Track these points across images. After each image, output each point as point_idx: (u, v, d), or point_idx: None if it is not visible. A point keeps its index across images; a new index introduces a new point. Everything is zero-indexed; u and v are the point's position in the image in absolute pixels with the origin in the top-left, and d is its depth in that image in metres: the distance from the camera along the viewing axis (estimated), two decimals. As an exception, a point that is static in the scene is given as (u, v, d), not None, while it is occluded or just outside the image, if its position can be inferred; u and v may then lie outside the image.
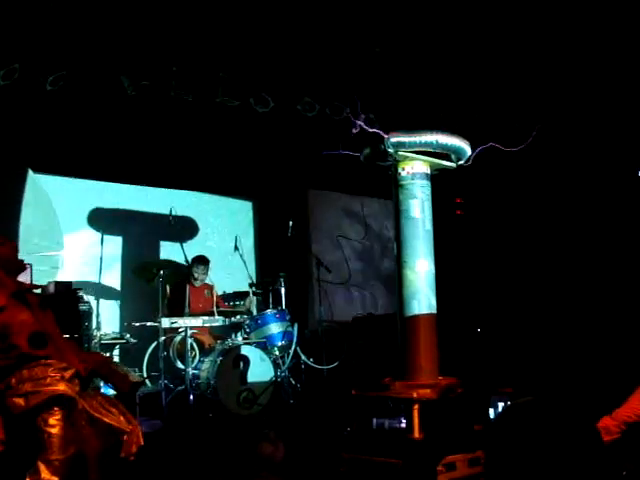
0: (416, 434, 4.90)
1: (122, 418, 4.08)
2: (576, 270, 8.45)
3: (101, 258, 8.18)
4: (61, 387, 3.92)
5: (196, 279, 8.25)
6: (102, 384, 5.55)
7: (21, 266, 4.50)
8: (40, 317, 4.17)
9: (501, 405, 5.27)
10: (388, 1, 7.10)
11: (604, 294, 7.99)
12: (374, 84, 8.32)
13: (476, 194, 10.01)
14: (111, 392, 4.71)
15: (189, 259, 7.99)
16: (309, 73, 8.43)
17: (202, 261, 8.30)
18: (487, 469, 2.75)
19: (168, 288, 7.98)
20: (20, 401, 3.87)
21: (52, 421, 3.85)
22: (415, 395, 5.00)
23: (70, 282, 6.94)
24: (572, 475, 2.56)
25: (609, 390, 4.67)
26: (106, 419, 4.03)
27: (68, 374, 4.02)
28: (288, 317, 8.03)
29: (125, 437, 4.07)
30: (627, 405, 4.76)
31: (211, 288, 8.23)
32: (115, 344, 7.63)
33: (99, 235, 8.33)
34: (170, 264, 8.04)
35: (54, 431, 3.84)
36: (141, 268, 7.86)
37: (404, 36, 7.66)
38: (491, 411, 5.26)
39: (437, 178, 5.86)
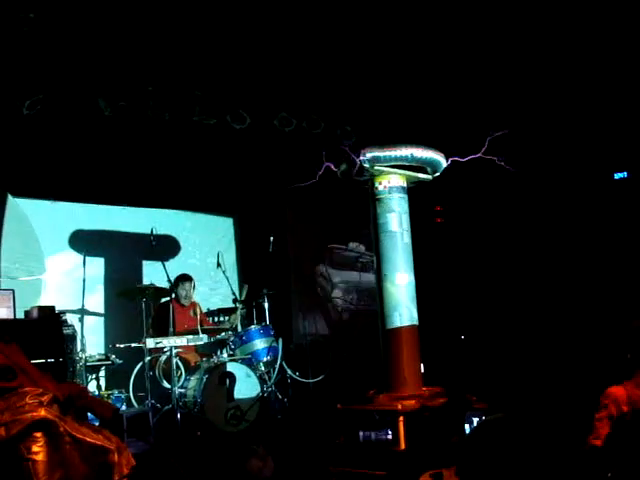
0: (402, 445, 4.95)
1: (111, 445, 4.07)
2: (556, 274, 8.52)
3: (84, 280, 8.17)
4: (41, 412, 3.91)
5: (185, 297, 8.28)
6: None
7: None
8: (6, 351, 4.17)
9: (476, 420, 5.32)
10: (360, 17, 7.15)
11: (583, 301, 8.06)
12: (349, 99, 8.40)
13: (455, 201, 10.07)
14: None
15: (172, 278, 8.01)
16: (284, 88, 8.49)
17: (186, 278, 8.33)
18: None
19: (152, 309, 7.99)
20: (0, 431, 3.86)
21: (35, 448, 3.83)
22: (400, 407, 5.06)
23: (53, 306, 6.93)
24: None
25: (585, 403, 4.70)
26: (89, 439, 4.02)
27: (46, 399, 4.01)
28: (272, 332, 8.04)
29: (115, 458, 4.06)
30: None
31: (195, 307, 8.24)
32: (100, 366, 7.62)
33: (81, 257, 8.32)
34: (152, 287, 8.05)
35: (38, 458, 3.83)
36: (124, 293, 7.92)
37: (377, 52, 7.73)
38: (466, 427, 5.31)
39: (416, 187, 5.92)
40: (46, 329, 6.54)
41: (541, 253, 8.68)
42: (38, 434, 3.85)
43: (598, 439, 4.42)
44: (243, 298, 8.40)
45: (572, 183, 8.61)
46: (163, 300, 8.25)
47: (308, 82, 8.31)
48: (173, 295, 8.14)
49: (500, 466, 2.69)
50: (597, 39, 7.51)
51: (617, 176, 8.30)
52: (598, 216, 8.23)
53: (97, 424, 4.46)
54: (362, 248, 11.06)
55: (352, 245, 11.08)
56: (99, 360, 7.64)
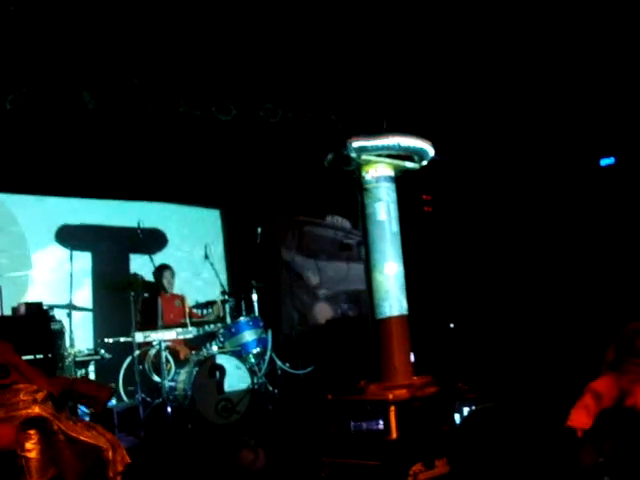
0: (393, 435, 4.94)
1: (105, 442, 4.06)
2: (545, 263, 8.54)
3: (71, 275, 8.11)
4: (35, 409, 3.91)
5: (167, 286, 8.29)
6: (79, 406, 5.53)
7: None
8: None
9: (466, 410, 5.33)
10: (345, 7, 7.13)
11: (571, 290, 8.08)
12: (335, 88, 8.37)
13: (443, 190, 10.08)
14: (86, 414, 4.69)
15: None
16: (269, 79, 8.45)
17: (166, 267, 8.37)
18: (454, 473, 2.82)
19: (140, 302, 7.98)
20: None
21: (29, 445, 3.83)
22: (391, 397, 5.04)
23: (40, 302, 6.89)
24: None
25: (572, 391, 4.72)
26: (83, 437, 4.01)
27: (40, 396, 4.01)
28: (262, 324, 8.03)
29: (110, 456, 4.05)
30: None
31: (182, 299, 8.24)
32: (90, 361, 7.61)
33: (68, 252, 8.26)
34: (140, 279, 8.03)
35: (31, 455, 3.82)
36: (111, 285, 7.90)
37: (363, 41, 7.71)
38: (456, 416, 5.31)
39: (403, 176, 5.91)
40: (34, 325, 6.50)
41: (529, 242, 8.69)
42: (32, 431, 3.85)
43: (571, 421, 4.46)
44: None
45: (557, 170, 8.61)
46: (146, 295, 8.26)
47: (294, 73, 8.28)
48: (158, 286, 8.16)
49: (491, 454, 2.70)
50: (583, 22, 7.51)
51: (604, 162, 8.26)
52: (585, 204, 8.22)
53: (88, 419, 4.46)
54: (347, 225, 10.47)
55: (331, 220, 10.47)
56: (88, 355, 7.63)
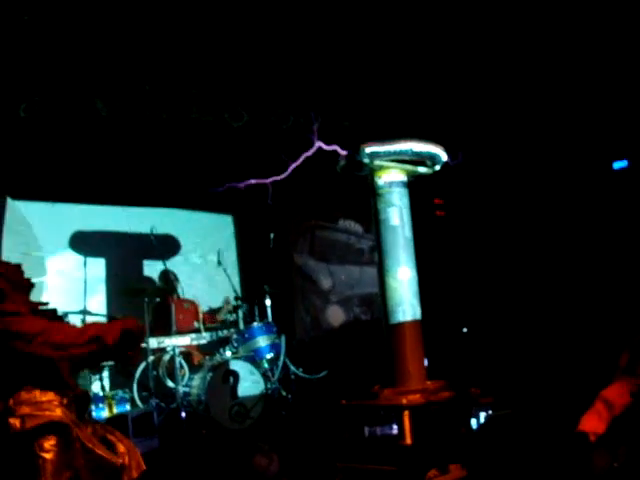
0: (408, 440, 4.95)
1: (122, 447, 4.07)
2: (558, 267, 8.51)
3: (85, 281, 8.16)
4: (58, 413, 3.93)
5: (177, 288, 8.40)
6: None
7: (30, 285, 4.51)
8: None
9: (483, 415, 5.32)
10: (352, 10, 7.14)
11: (585, 293, 8.05)
12: (348, 93, 8.38)
13: (456, 194, 10.07)
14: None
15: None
16: (282, 85, 8.47)
17: (169, 272, 8.48)
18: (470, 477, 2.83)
19: (152, 307, 8.03)
20: (16, 422, 3.87)
21: (47, 446, 3.85)
22: (404, 401, 5.06)
23: (55, 309, 6.92)
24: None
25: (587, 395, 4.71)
26: (98, 451, 4.02)
27: (66, 400, 4.03)
28: (275, 329, 8.05)
29: (126, 461, 4.06)
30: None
31: (191, 302, 8.29)
32: (104, 367, 7.64)
33: (82, 258, 8.30)
34: (151, 284, 8.09)
35: (48, 456, 3.84)
36: (125, 291, 7.97)
37: (374, 46, 7.72)
38: (473, 421, 5.31)
39: (416, 181, 5.92)
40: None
41: (543, 245, 8.67)
42: (51, 434, 3.87)
43: (583, 426, 4.44)
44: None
45: (570, 173, 8.59)
46: (158, 300, 8.32)
47: (306, 78, 8.29)
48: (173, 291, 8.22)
49: (507, 459, 2.70)
50: (597, 25, 7.49)
51: (617, 165, 8.23)
52: (598, 208, 8.19)
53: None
54: (359, 229, 10.43)
55: (343, 223, 10.42)
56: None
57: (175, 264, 8.82)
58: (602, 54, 7.76)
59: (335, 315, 10.33)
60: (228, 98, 8.54)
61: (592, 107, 8.21)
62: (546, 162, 8.72)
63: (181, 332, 7.68)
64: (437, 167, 5.82)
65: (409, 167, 5.67)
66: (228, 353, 7.82)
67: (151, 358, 7.39)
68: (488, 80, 8.40)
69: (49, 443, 3.85)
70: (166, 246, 9.03)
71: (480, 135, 8.95)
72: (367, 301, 10.48)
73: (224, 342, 8.10)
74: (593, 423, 4.45)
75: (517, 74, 8.26)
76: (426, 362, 5.62)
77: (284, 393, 8.01)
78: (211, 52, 7.82)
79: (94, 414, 6.76)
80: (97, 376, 7.54)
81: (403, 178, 5.64)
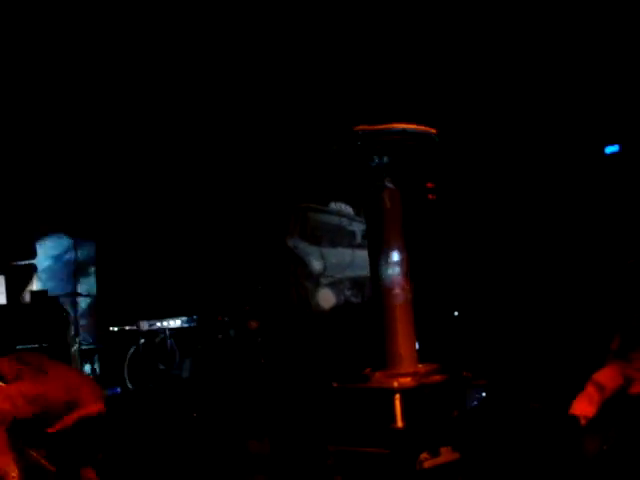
0: (399, 423, 4.95)
1: None
2: (549, 250, 8.51)
3: (75, 263, 8.12)
4: None
5: None
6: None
7: None
8: None
9: (476, 396, 5.33)
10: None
11: (576, 277, 8.05)
12: (340, 75, 8.35)
13: (447, 178, 10.04)
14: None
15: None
16: (278, 66, 8.44)
17: None
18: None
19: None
20: None
21: None
22: (396, 384, 5.04)
23: (45, 290, 6.91)
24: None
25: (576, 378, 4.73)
26: None
27: None
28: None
29: None
30: None
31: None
32: (95, 350, 7.63)
33: (71, 241, 8.27)
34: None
35: None
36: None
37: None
38: (467, 403, 5.31)
39: (407, 164, 5.90)
40: (39, 314, 6.51)
41: (534, 229, 8.66)
42: None
43: (574, 410, 4.47)
44: None
45: (562, 157, 8.57)
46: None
47: (300, 59, 8.26)
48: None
49: (499, 441, 2.71)
50: (586, 11, 7.47)
51: (608, 150, 8.21)
52: (589, 192, 8.18)
53: None
54: (350, 211, 10.19)
55: (335, 206, 10.19)
56: (92, 344, 7.65)
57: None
58: (593, 39, 7.74)
59: (326, 298, 10.30)
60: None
61: (584, 91, 8.18)
62: (538, 146, 8.69)
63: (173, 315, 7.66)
64: (429, 149, 5.79)
65: (401, 149, 5.63)
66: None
67: (142, 341, 7.38)
68: (481, 66, 8.38)
69: None
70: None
71: (473, 119, 8.92)
72: (358, 284, 10.42)
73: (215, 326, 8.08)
74: (584, 407, 4.48)
75: (509, 59, 8.23)
76: (417, 345, 5.60)
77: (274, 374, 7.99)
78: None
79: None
80: (88, 359, 7.54)
81: (395, 161, 5.60)
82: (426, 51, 8.15)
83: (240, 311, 8.07)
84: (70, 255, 8.13)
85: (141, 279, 8.27)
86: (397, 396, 4.97)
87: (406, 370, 5.25)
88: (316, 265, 9.99)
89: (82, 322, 7.89)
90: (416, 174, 7.89)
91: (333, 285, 10.25)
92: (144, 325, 7.27)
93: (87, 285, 8.64)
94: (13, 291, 7.03)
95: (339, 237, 10.20)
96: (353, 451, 5.02)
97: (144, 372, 7.26)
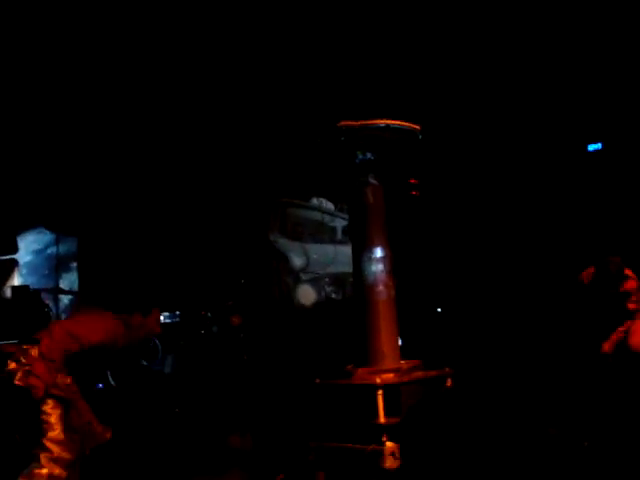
0: (381, 419, 4.94)
1: None
2: (532, 246, 8.55)
3: (57, 258, 8.08)
4: None
5: None
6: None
7: None
8: None
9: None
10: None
11: (559, 271, 8.08)
12: (325, 70, 8.34)
13: (430, 175, 10.05)
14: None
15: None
16: (258, 63, 8.41)
17: None
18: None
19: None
20: None
21: None
22: (378, 381, 5.04)
23: (27, 286, 6.87)
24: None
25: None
26: None
27: None
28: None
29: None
30: None
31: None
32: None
33: (53, 236, 8.22)
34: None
35: None
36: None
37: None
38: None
39: (391, 160, 5.89)
40: (21, 309, 6.47)
41: (517, 226, 8.70)
42: None
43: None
44: None
45: (546, 155, 8.61)
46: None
47: (285, 55, 8.25)
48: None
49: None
50: (570, 12, 7.50)
51: (591, 147, 8.27)
52: (573, 189, 8.23)
53: None
54: (332, 207, 10.24)
55: (316, 201, 10.20)
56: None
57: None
58: (578, 40, 7.78)
59: (306, 294, 10.27)
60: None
61: (568, 90, 8.23)
62: (522, 144, 8.73)
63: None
64: (413, 145, 5.78)
65: (385, 145, 5.62)
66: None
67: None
68: (466, 64, 8.39)
69: None
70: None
71: (457, 116, 8.94)
72: (339, 280, 10.42)
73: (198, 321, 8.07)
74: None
75: (495, 58, 8.25)
76: (400, 342, 5.60)
77: (256, 368, 7.98)
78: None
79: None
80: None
81: (379, 157, 5.60)
82: (411, 48, 8.15)
83: (223, 306, 8.05)
84: (52, 250, 8.08)
85: (123, 275, 8.23)
86: (379, 392, 4.97)
87: (389, 366, 5.24)
88: (297, 261, 9.97)
89: (64, 317, 7.82)
90: (399, 170, 7.90)
91: (314, 281, 10.24)
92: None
93: (69, 281, 8.59)
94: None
95: (320, 233, 10.17)
96: (335, 447, 5.02)
97: (126, 368, 7.22)
